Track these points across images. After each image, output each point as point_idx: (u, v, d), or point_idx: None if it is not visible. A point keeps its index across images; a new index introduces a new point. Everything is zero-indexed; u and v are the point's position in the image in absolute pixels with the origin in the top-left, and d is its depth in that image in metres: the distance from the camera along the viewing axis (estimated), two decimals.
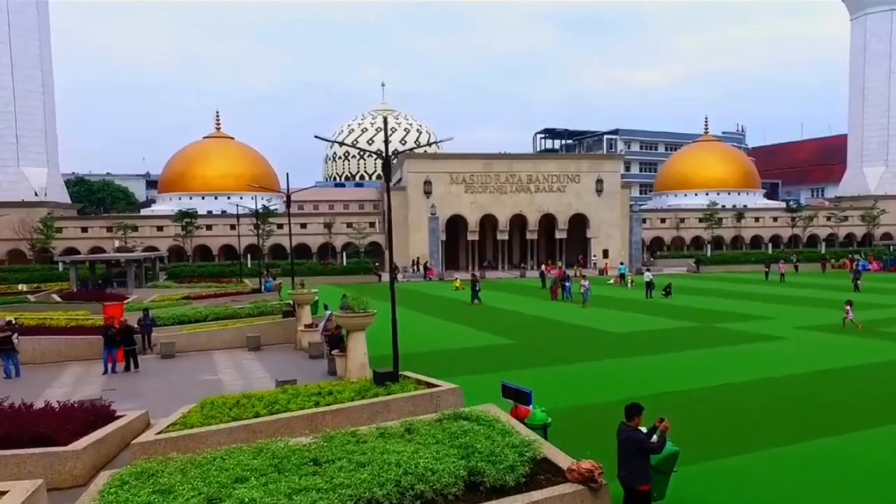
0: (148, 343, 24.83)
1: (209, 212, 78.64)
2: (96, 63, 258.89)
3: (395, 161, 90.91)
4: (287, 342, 26.83)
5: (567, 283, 42.16)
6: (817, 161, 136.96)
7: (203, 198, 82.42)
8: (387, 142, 14.58)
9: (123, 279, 48.51)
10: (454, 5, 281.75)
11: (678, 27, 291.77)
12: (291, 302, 28.40)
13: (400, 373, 15.81)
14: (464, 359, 22.93)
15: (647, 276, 43.73)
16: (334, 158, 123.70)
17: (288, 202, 30.28)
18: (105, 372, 21.48)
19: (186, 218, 68.48)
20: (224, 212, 76.95)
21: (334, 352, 19.78)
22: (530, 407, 12.11)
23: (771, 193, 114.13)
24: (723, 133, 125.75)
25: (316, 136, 14.72)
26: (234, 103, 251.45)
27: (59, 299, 39.90)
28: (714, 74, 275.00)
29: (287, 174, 30.04)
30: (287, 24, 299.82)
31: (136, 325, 24.38)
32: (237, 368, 22.22)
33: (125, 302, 39.02)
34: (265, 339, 26.56)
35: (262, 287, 42.89)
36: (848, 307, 27.68)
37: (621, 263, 57.39)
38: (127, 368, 21.77)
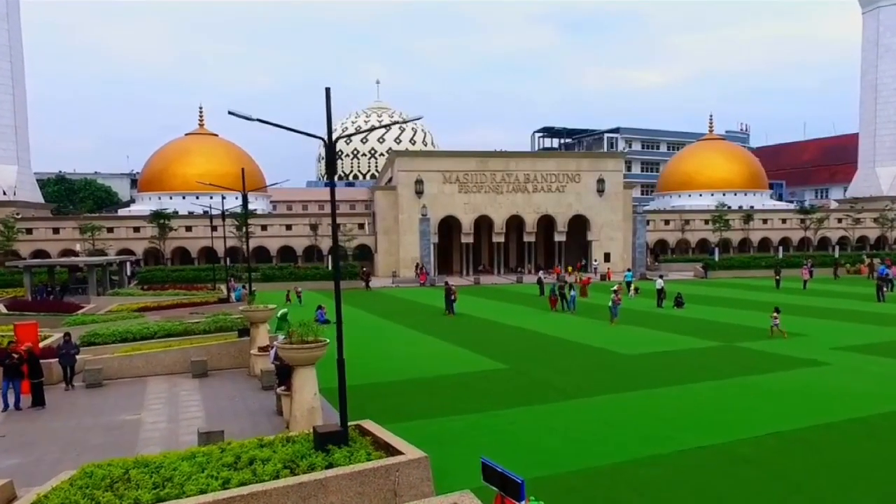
0: (70, 376, 20.08)
1: (190, 213, 74.53)
2: (96, 64, 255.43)
3: (386, 160, 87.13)
4: (242, 366, 22.92)
5: (573, 293, 38.29)
6: (821, 162, 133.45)
7: (184, 197, 78.19)
8: (329, 122, 10.75)
9: (86, 286, 44.68)
10: (454, 5, 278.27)
11: (678, 27, 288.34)
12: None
13: (354, 423, 11.97)
14: (442, 391, 19.06)
15: (659, 282, 39.81)
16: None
17: (245, 202, 26.44)
18: (5, 409, 17.59)
19: (161, 219, 64.45)
20: (205, 212, 72.88)
21: (280, 389, 15.87)
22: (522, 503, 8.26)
23: (774, 195, 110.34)
24: (726, 132, 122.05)
25: (230, 112, 11.06)
26: (234, 103, 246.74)
27: (3, 309, 35.90)
28: (714, 74, 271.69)
29: (242, 169, 26.35)
30: (287, 24, 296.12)
31: (56, 350, 20.47)
32: (170, 403, 18.33)
33: (77, 312, 35.27)
34: (216, 362, 22.71)
35: (230, 296, 38.78)
36: (775, 314, 27.03)
37: (628, 270, 53.23)
38: (35, 404, 17.87)
